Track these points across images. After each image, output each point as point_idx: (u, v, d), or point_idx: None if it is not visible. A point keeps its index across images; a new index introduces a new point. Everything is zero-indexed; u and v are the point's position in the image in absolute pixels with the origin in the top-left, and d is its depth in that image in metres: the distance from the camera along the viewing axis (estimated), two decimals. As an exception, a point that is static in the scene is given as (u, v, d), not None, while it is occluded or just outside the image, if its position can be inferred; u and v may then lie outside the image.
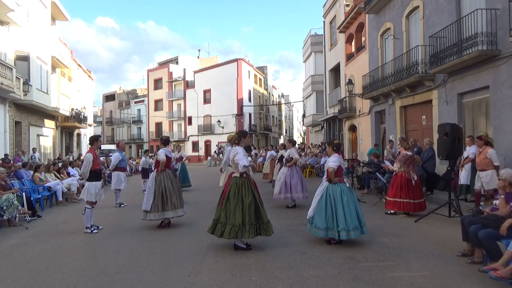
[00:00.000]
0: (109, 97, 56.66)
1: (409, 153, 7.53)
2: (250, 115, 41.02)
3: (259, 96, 45.04)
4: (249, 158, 5.80)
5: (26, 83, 16.17)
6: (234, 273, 4.24)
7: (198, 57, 51.22)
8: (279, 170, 9.19)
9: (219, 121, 39.02)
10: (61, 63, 21.41)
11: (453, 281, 3.91)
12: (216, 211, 5.24)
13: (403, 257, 4.74)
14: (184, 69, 44.30)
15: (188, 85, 43.40)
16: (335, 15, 22.27)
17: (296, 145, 19.54)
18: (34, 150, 17.59)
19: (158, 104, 46.90)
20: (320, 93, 26.72)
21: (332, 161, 5.32)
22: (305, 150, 23.40)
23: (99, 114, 58.18)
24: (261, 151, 25.30)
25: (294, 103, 65.02)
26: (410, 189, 7.22)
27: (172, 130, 44.34)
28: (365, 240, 5.51)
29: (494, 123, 8.79)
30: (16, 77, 14.97)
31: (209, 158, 35.30)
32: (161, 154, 6.74)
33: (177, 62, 48.14)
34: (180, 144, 24.76)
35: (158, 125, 46.83)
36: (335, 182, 5.34)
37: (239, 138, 5.34)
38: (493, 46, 8.54)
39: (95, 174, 6.57)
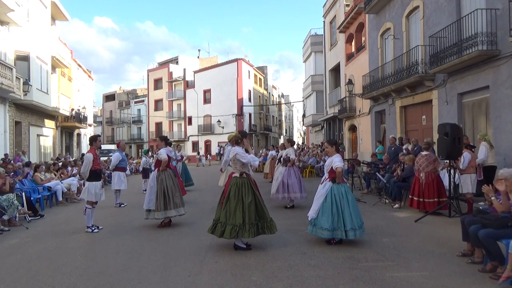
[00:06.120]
0: (109, 97, 56.60)
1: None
2: (250, 115, 40.99)
3: (259, 96, 45.02)
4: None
5: (26, 83, 16.16)
6: (234, 273, 4.24)
7: (198, 57, 51.17)
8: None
9: (219, 121, 38.99)
10: (61, 63, 21.42)
11: (453, 281, 3.91)
12: (216, 211, 5.25)
13: (403, 257, 4.74)
14: (184, 69, 44.26)
15: (188, 85, 43.37)
16: (335, 15, 22.27)
17: (295, 145, 19.54)
18: (23, 152, 15.95)
19: (158, 104, 46.86)
20: (320, 93, 26.72)
21: (338, 161, 5.26)
22: (305, 149, 23.42)
23: (99, 114, 58.10)
24: (261, 151, 25.30)
25: (294, 103, 65.09)
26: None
27: (172, 130, 44.31)
28: (365, 240, 5.51)
29: (494, 123, 8.78)
30: (16, 77, 14.96)
31: (203, 158, 34.38)
32: (163, 153, 6.78)
33: (177, 62, 48.11)
34: (180, 144, 24.72)
35: (158, 125, 46.79)
36: (339, 182, 5.33)
37: (241, 138, 5.32)
38: (493, 46, 8.53)
39: (95, 174, 6.59)
